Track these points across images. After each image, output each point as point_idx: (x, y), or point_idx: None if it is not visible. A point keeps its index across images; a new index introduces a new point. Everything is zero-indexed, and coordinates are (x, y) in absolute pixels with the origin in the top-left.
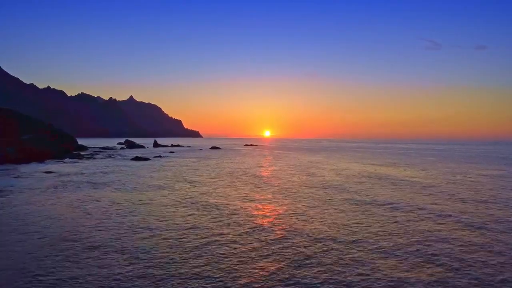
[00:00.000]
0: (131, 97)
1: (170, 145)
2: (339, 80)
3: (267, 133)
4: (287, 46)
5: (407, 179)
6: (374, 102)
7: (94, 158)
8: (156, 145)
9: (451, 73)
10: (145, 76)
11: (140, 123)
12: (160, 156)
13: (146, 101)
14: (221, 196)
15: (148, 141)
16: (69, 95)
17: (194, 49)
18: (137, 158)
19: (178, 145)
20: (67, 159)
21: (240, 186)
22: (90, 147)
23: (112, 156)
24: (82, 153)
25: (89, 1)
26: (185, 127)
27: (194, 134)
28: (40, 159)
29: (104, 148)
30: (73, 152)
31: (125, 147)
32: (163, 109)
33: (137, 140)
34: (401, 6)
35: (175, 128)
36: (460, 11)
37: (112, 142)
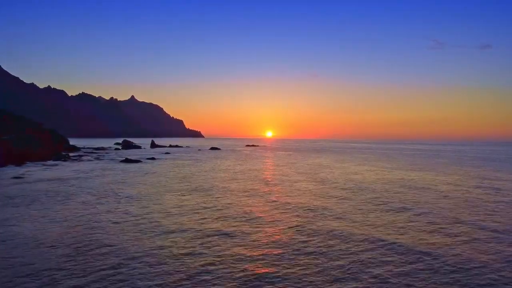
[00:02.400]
0: (132, 97)
1: (168, 145)
2: (341, 80)
3: (269, 134)
4: (288, 46)
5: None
6: (376, 102)
7: (80, 160)
8: (153, 145)
9: (455, 73)
10: (147, 76)
11: (141, 123)
12: (153, 158)
13: (147, 101)
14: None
15: (147, 141)
16: (69, 95)
17: (195, 49)
18: (126, 160)
19: (176, 146)
20: (50, 162)
21: (199, 206)
22: (83, 148)
23: (101, 158)
24: (71, 154)
25: (89, 1)
26: (187, 127)
27: (196, 134)
28: (20, 161)
29: (97, 148)
30: (62, 153)
31: (120, 147)
32: (164, 109)
33: (138, 140)
34: (403, 5)
35: (176, 128)
36: (463, 9)
37: (111, 142)
